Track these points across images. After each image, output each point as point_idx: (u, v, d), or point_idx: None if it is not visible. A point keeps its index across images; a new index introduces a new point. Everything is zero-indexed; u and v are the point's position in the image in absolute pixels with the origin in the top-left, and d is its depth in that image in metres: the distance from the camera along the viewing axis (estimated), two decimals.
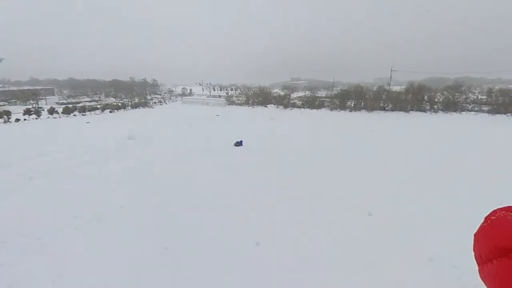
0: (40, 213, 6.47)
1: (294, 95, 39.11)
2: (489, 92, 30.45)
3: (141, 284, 4.25)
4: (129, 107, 34.82)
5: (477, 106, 30.83)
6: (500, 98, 29.27)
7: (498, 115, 28.29)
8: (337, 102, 35.00)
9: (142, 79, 57.73)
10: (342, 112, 33.02)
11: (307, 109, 34.79)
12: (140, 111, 33.67)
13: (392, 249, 5.21)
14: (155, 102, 42.99)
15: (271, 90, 40.67)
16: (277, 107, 36.36)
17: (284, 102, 36.65)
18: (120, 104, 34.38)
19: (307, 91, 38.26)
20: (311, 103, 35.72)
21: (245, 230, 5.84)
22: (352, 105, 34.03)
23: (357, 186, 8.47)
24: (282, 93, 38.90)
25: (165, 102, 45.64)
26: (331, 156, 12.25)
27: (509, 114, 27.99)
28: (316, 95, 37.07)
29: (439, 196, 7.71)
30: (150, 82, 56.90)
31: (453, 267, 4.65)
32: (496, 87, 31.36)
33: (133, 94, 45.86)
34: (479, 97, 31.96)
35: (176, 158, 11.75)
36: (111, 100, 41.83)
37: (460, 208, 6.81)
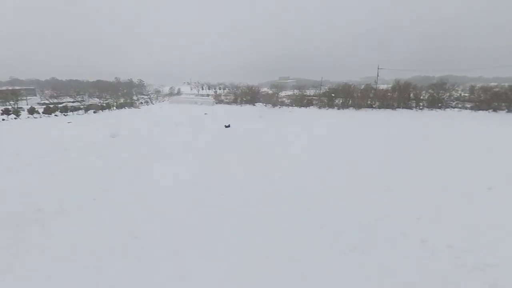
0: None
1: (282, 93, 39.10)
2: (472, 89, 31.29)
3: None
4: (114, 108, 33.90)
5: (460, 103, 31.58)
6: (481, 95, 30.09)
7: (480, 111, 29.03)
8: (325, 100, 35.12)
9: (128, 79, 56.50)
10: (330, 110, 33.23)
11: (295, 107, 34.82)
12: (125, 111, 32.85)
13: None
14: (141, 103, 42.11)
15: (259, 89, 40.54)
16: (266, 106, 36.21)
17: (272, 100, 36.55)
18: (104, 104, 33.47)
19: (295, 90, 38.30)
20: (300, 101, 35.76)
21: None
22: (340, 103, 34.26)
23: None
24: (270, 92, 38.81)
25: (151, 102, 44.79)
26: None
27: (490, 110, 28.75)
28: (305, 93, 37.15)
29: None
30: (136, 82, 55.71)
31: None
32: (478, 85, 32.24)
33: (119, 94, 44.67)
34: (462, 94, 32.78)
35: (158, 153, 11.39)
36: (95, 100, 40.67)
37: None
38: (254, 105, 37.39)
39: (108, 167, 9.32)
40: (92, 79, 61.26)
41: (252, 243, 4.92)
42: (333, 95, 34.23)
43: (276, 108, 35.08)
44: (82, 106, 30.18)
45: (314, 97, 36.67)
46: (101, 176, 8.36)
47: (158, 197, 6.90)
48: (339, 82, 38.32)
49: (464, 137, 15.49)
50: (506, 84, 30.57)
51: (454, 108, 31.08)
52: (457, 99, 32.14)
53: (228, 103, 40.10)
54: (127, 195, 6.95)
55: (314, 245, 4.87)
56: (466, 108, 30.52)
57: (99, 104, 33.89)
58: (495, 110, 28.75)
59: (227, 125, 18.67)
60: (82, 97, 43.23)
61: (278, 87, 39.29)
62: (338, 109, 33.46)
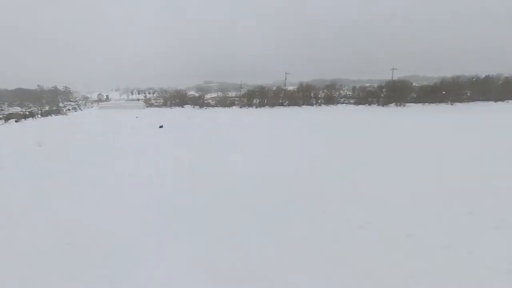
0: None
1: (208, 96, 43.71)
2: (354, 89, 40.43)
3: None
4: (39, 116, 33.54)
5: (347, 99, 40.49)
6: (360, 93, 39.23)
7: (360, 105, 37.95)
8: (245, 101, 40.86)
9: (52, 87, 54.44)
10: (250, 108, 39.00)
11: (220, 108, 39.77)
12: (51, 118, 32.83)
13: None
14: (69, 109, 42.16)
15: (186, 92, 44.43)
16: (193, 107, 40.35)
17: (199, 102, 40.89)
18: (27, 112, 33.06)
19: (219, 92, 43.28)
20: (223, 102, 40.86)
21: None
22: (257, 102, 40.38)
23: None
24: (197, 95, 43.07)
25: (80, 108, 45.03)
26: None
27: (366, 104, 37.83)
28: (227, 95, 42.39)
29: None
30: (62, 89, 54.12)
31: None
32: (357, 86, 41.68)
33: (43, 102, 43.69)
34: (347, 93, 41.87)
35: (90, 159, 10.69)
36: (17, 109, 39.43)
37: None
38: (183, 107, 41.14)
39: (34, 176, 8.42)
40: (11, 87, 56.21)
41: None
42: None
43: (203, 109, 39.49)
44: (1, 116, 29.56)
45: (235, 98, 42.15)
46: (27, 186, 7.46)
47: (89, 202, 6.28)
48: (256, 85, 44.52)
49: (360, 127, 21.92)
50: (376, 85, 40.38)
51: (343, 103, 39.71)
52: (344, 96, 41.00)
53: (158, 106, 43.06)
54: (55, 205, 6.10)
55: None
56: (350, 103, 39.35)
57: (21, 112, 33.49)
58: (369, 104, 37.95)
59: (160, 125, 20.81)
60: (1, 106, 41.40)
61: (203, 90, 43.76)
62: (256, 107, 39.44)
